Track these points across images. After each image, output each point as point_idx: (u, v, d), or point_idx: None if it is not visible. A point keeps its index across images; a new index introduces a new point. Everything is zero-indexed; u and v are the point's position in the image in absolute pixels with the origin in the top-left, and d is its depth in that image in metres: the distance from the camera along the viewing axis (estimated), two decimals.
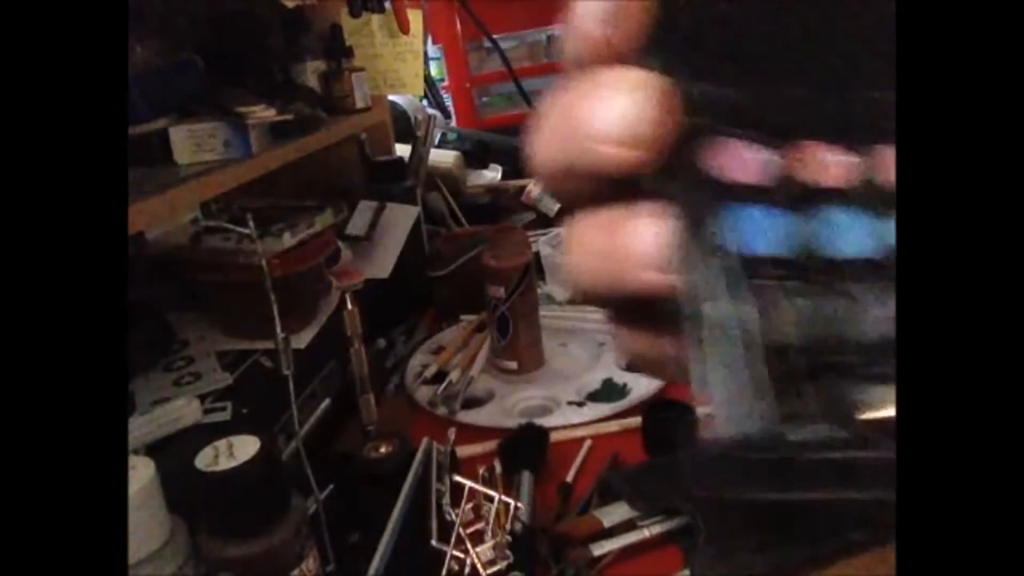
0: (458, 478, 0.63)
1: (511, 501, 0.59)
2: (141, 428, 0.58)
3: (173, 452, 0.54)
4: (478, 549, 0.55)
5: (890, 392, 0.14)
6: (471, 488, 0.61)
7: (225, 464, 0.43)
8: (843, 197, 0.16)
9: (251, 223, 0.61)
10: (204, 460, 0.43)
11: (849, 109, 0.16)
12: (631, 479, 0.61)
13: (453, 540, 0.56)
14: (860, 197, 0.16)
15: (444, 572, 0.54)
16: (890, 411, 0.14)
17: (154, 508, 0.42)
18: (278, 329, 0.53)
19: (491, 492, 0.60)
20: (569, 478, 0.64)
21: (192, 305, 0.79)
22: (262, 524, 0.44)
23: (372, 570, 0.54)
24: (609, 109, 0.15)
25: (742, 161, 0.16)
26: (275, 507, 0.45)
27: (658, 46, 0.16)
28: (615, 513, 0.57)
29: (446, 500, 0.61)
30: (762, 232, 0.15)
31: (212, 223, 0.75)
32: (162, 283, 0.79)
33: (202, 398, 0.64)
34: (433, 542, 0.56)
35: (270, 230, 0.73)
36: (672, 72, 0.15)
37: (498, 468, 0.64)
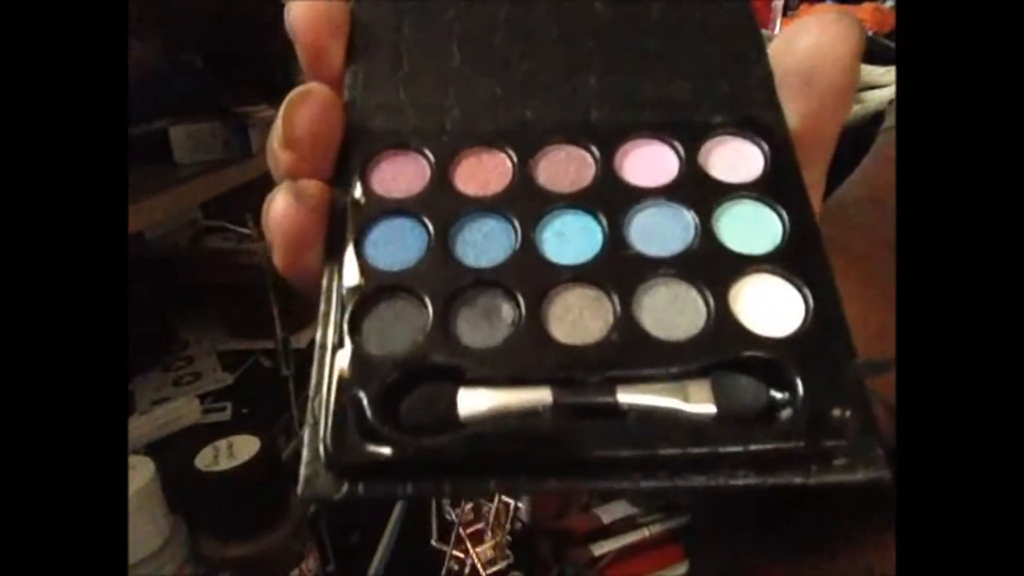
0: None
1: (511, 501, 0.58)
2: (141, 428, 0.58)
3: (173, 452, 0.54)
4: (478, 549, 0.55)
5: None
6: None
7: (225, 464, 0.43)
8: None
9: (251, 223, 0.61)
10: (204, 460, 0.43)
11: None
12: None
13: (453, 540, 0.56)
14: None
15: (444, 572, 0.54)
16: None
17: (154, 508, 0.42)
18: (278, 329, 0.53)
19: None
20: None
21: (192, 305, 0.79)
22: (262, 524, 0.44)
23: (372, 570, 0.54)
24: (280, 115, 0.17)
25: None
26: (275, 507, 0.45)
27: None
28: (615, 510, 0.57)
29: (446, 499, 0.61)
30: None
31: (212, 223, 0.75)
32: (162, 283, 0.79)
33: (202, 398, 0.64)
34: (433, 542, 0.56)
35: None
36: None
37: None
